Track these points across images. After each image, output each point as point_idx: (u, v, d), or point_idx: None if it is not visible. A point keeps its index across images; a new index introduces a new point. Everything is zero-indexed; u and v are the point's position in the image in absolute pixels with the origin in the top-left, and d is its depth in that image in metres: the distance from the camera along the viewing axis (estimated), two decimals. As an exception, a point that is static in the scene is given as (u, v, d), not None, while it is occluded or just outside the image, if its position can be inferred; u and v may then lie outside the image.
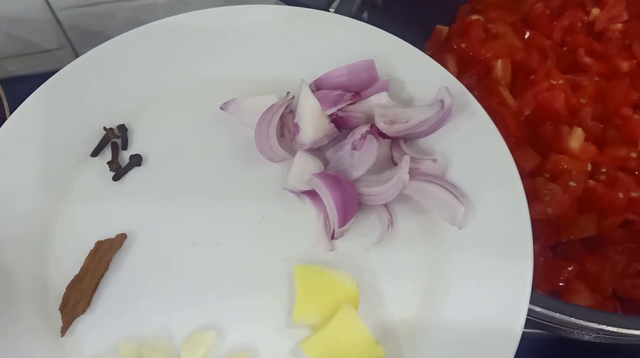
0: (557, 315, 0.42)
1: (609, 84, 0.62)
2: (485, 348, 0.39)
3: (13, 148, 0.46)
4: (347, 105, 0.46)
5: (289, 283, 0.42)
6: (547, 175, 0.56)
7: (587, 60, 0.65)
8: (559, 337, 0.60)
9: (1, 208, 0.44)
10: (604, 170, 0.57)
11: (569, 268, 0.53)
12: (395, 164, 0.45)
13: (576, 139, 0.56)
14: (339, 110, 0.46)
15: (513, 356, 0.39)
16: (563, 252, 0.56)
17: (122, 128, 0.49)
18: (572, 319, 0.42)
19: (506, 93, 0.59)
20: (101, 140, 0.48)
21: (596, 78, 0.63)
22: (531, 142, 0.59)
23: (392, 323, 0.41)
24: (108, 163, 0.47)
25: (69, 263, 0.43)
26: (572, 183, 0.54)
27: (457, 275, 0.42)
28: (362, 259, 0.43)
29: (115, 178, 0.47)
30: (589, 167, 0.57)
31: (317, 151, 0.46)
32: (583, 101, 0.61)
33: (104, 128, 0.48)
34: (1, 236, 0.43)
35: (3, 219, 0.43)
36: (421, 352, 0.40)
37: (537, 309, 0.42)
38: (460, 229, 0.42)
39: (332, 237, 0.43)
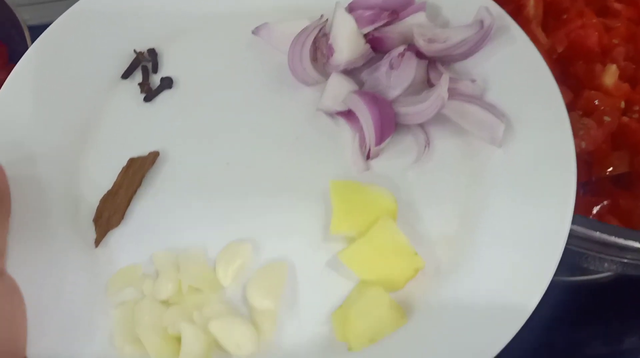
0: (597, 234, 0.41)
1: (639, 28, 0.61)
2: (526, 265, 0.38)
3: (46, 68, 0.45)
4: (383, 26, 0.45)
5: (324, 201, 0.42)
6: (580, 112, 0.55)
7: (617, 5, 0.64)
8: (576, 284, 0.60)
9: (35, 124, 0.43)
10: (637, 108, 0.56)
11: (603, 203, 0.52)
12: (432, 86, 0.45)
13: (610, 75, 0.55)
14: (374, 30, 0.45)
15: (552, 274, 0.38)
16: (594, 190, 0.55)
17: (152, 52, 0.48)
18: (613, 238, 0.41)
19: (538, 31, 0.58)
20: (131, 62, 0.47)
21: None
22: (563, 80, 0.58)
23: (430, 241, 0.40)
24: (139, 84, 0.47)
25: (102, 180, 0.43)
26: (606, 118, 0.53)
27: (497, 193, 0.41)
28: (398, 179, 0.43)
29: (147, 99, 0.46)
30: (622, 104, 0.56)
31: (351, 72, 0.46)
32: (615, 41, 0.60)
33: (134, 51, 0.48)
34: (36, 152, 0.42)
35: (38, 135, 0.43)
36: (459, 269, 0.39)
37: (578, 228, 0.41)
38: (499, 148, 0.42)
39: (368, 157, 0.43)
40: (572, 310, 0.62)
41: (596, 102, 0.55)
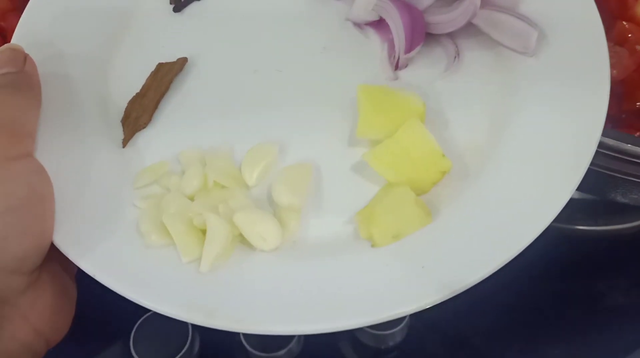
0: (629, 146, 0.41)
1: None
2: (553, 173, 0.37)
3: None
4: (415, -64, 0.44)
5: (352, 108, 0.41)
6: (612, 43, 0.54)
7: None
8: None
9: (67, 27, 0.44)
10: (670, 42, 0.55)
11: (636, 134, 0.51)
12: (463, -2, 0.44)
13: (644, 5, 0.54)
14: (406, -60, 0.44)
15: (577, 185, 0.37)
16: (624, 125, 0.54)
17: (182, -35, 0.48)
18: (645, 150, 0.40)
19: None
20: (162, -26, 0.47)
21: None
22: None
23: (458, 146, 0.40)
24: (169, -6, 0.47)
25: (131, 83, 0.43)
26: (639, 47, 0.52)
27: (527, 103, 0.40)
28: (427, 88, 0.42)
29: (176, 10, 0.46)
30: (656, 35, 0.55)
31: (381, -16, 0.45)
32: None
33: (165, -37, 0.48)
34: (66, 52, 0.43)
35: (68, 36, 0.43)
36: (485, 174, 0.38)
37: (609, 142, 0.41)
38: (531, 57, 0.41)
39: (397, 67, 0.43)
40: (592, 260, 0.61)
41: (629, 34, 0.54)
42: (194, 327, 0.50)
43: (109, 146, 0.41)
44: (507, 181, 0.37)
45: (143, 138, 0.41)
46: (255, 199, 0.39)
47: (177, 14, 0.46)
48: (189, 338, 0.49)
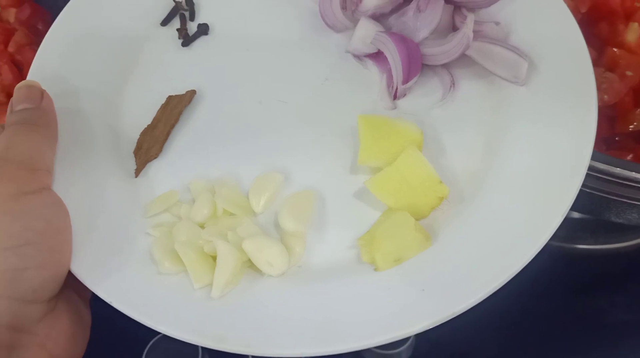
0: (618, 170, 0.42)
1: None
2: (546, 196, 0.38)
3: (87, 14, 0.48)
4: (411, -27, 0.47)
5: (353, 136, 0.43)
6: (603, 69, 0.56)
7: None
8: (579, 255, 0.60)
9: (78, 62, 0.46)
10: (658, 67, 0.57)
11: (627, 158, 0.53)
12: (457, 29, 0.46)
13: (633, 32, 0.56)
14: (402, -23, 0.47)
15: (567, 209, 0.38)
16: (617, 146, 0.56)
17: (190, 1, 0.50)
18: (634, 174, 0.42)
19: (562, -9, 0.59)
20: (171, 11, 0.50)
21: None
22: (587, 40, 0.58)
23: (453, 173, 0.42)
24: (177, 29, 0.49)
25: (142, 115, 0.45)
26: (628, 72, 0.54)
27: (518, 129, 0.42)
28: (424, 116, 0.44)
29: (184, 44, 0.49)
30: (645, 61, 0.57)
31: (378, 18, 0.47)
32: (638, 4, 0.61)
33: (174, 0, 0.50)
34: (80, 88, 0.45)
35: (81, 70, 0.46)
36: (481, 198, 0.40)
37: (600, 166, 0.43)
38: (522, 86, 0.43)
39: (395, 96, 0.45)
40: (593, 278, 0.62)
41: (619, 59, 0.56)
42: (204, 349, 0.51)
43: (122, 176, 0.43)
44: (502, 205, 0.39)
45: (154, 167, 0.43)
46: (262, 226, 0.41)
47: (185, 47, 0.48)
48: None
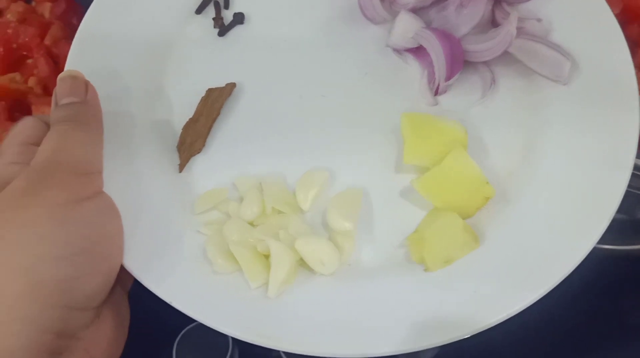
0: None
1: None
2: (590, 197, 0.40)
3: (120, 5, 0.47)
4: (452, -35, 0.46)
5: (395, 133, 0.44)
6: (636, 70, 0.57)
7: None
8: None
9: (114, 55, 0.45)
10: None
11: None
12: (498, 26, 0.46)
13: (663, 31, 0.57)
14: (444, -30, 0.46)
15: (615, 210, 0.40)
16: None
17: (223, -12, 0.49)
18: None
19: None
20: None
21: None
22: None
23: (495, 171, 0.42)
24: (213, 18, 0.48)
25: (183, 109, 0.45)
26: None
27: (560, 128, 0.43)
28: (465, 114, 0.44)
29: (220, 34, 0.48)
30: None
31: (418, 11, 0.47)
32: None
33: (207, -13, 0.49)
34: (118, 81, 0.44)
35: (119, 65, 0.45)
36: (526, 197, 0.41)
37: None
38: (564, 85, 0.43)
39: (436, 92, 0.45)
40: (617, 278, 0.63)
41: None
42: (234, 339, 0.52)
43: (166, 171, 0.43)
44: (548, 206, 0.40)
45: (198, 163, 0.43)
46: (310, 224, 0.41)
47: (221, 38, 0.48)
48: (230, 349, 0.51)
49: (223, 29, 0.48)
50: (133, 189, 0.41)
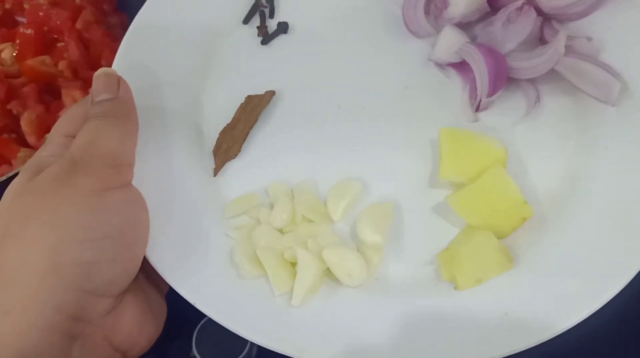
0: None
1: None
2: (632, 228, 0.38)
3: (169, 9, 0.48)
4: (500, -19, 0.45)
5: (432, 148, 0.43)
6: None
7: None
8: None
9: (161, 56, 0.46)
10: None
11: None
12: (545, 43, 0.45)
13: None
14: (491, -15, 0.45)
15: None
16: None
17: (270, -2, 0.50)
18: None
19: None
20: (251, 8, 0.49)
21: None
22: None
23: (534, 192, 0.41)
24: (257, 27, 0.49)
25: (222, 114, 0.45)
26: None
27: (609, 151, 0.41)
28: (506, 133, 0.43)
29: (264, 42, 0.48)
30: None
31: (463, 26, 0.46)
32: None
33: (253, -3, 0.50)
34: (160, 83, 0.45)
35: (162, 68, 0.46)
36: (564, 222, 0.39)
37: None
38: (613, 107, 0.42)
39: (477, 109, 0.44)
40: None
41: None
42: None
43: (200, 174, 0.43)
44: (587, 232, 0.38)
45: (233, 168, 0.44)
46: (339, 235, 0.41)
47: (264, 46, 0.48)
48: (249, 342, 0.51)
49: (266, 37, 0.48)
50: (167, 188, 0.41)
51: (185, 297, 0.37)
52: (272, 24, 0.49)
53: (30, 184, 0.36)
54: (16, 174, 0.45)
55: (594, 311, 0.35)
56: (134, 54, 0.46)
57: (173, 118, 0.44)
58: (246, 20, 0.49)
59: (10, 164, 0.51)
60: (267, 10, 0.50)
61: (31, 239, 0.34)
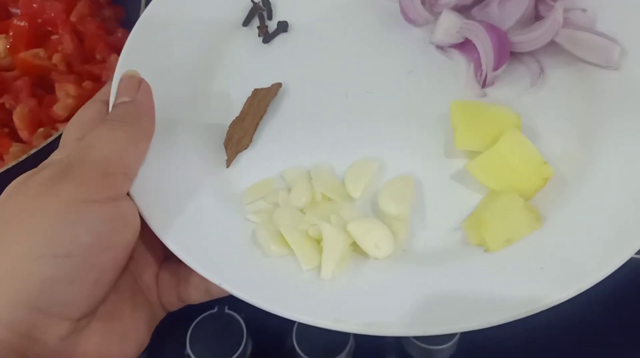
0: None
1: None
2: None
3: (174, 8, 0.48)
4: (492, -37, 0.47)
5: (442, 124, 0.43)
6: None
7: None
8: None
9: (166, 57, 0.46)
10: None
11: None
12: (541, 19, 0.46)
13: None
14: (484, -33, 0.47)
15: None
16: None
17: (266, 1, 0.51)
18: None
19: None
20: (250, 11, 0.50)
21: None
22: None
23: (552, 155, 0.41)
24: (258, 27, 0.49)
25: (230, 109, 0.45)
26: None
27: (617, 113, 0.41)
28: (514, 103, 0.43)
29: (265, 41, 0.49)
30: None
31: (460, 10, 0.47)
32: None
33: (252, 1, 0.51)
34: (169, 83, 0.45)
35: (169, 68, 0.46)
36: (586, 180, 0.39)
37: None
38: (615, 70, 0.43)
39: (484, 84, 0.44)
40: None
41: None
42: (248, 329, 0.50)
43: (214, 166, 0.42)
44: (608, 187, 0.38)
45: (245, 159, 0.43)
46: (360, 213, 0.40)
47: (266, 45, 0.49)
48: (244, 339, 0.49)
49: (267, 37, 0.49)
50: (182, 184, 0.40)
51: (211, 280, 0.35)
52: (272, 24, 0.50)
53: (22, 186, 0.34)
54: (7, 170, 0.44)
55: (622, 263, 0.34)
56: (141, 54, 0.45)
57: (183, 115, 0.44)
58: (245, 23, 0.50)
59: (2, 159, 0.49)
60: (265, 13, 0.50)
61: (2, 246, 0.32)
